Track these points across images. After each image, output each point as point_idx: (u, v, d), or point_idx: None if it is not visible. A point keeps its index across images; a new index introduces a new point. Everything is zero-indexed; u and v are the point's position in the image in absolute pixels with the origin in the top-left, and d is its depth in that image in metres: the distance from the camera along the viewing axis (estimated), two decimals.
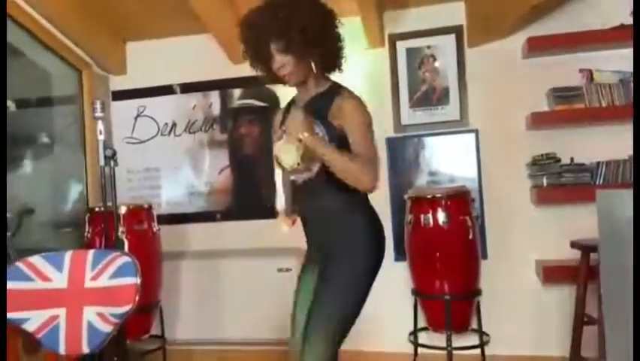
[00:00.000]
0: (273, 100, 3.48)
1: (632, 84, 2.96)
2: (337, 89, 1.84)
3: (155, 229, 3.20)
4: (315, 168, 1.80)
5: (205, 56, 3.55)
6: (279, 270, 3.29)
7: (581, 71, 3.07)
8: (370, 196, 1.90)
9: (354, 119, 1.75)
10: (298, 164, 1.77)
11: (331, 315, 1.72)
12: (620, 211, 1.61)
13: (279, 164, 1.85)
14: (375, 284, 3.31)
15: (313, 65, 1.79)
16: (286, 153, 1.79)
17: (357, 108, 1.78)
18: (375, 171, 1.74)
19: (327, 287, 1.74)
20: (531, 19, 3.07)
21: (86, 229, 3.10)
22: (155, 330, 3.28)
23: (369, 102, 3.17)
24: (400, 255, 3.22)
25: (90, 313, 1.68)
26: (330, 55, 1.82)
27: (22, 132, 3.41)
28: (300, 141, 1.69)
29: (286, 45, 1.72)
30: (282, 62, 1.76)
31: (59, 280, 1.72)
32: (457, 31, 3.28)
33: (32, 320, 1.69)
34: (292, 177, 1.89)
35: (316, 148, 1.69)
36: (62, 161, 3.63)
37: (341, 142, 1.75)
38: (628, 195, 1.69)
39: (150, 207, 3.22)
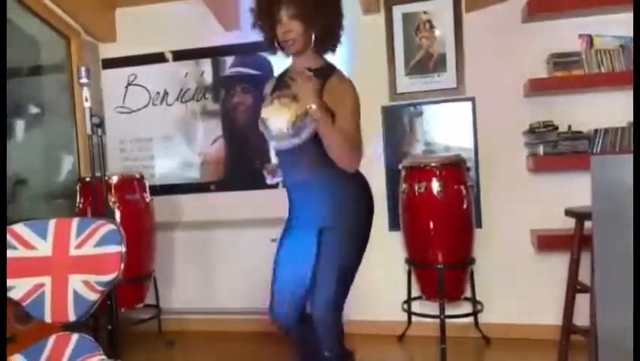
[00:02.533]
0: (267, 68, 3.39)
1: (632, 49, 2.89)
2: (331, 69, 1.92)
3: (147, 200, 3.17)
4: (304, 135, 1.84)
5: (196, 22, 3.47)
6: (273, 240, 3.25)
7: (580, 36, 2.99)
8: (366, 166, 1.95)
9: (345, 103, 1.83)
10: (287, 129, 1.83)
11: (339, 266, 1.86)
12: (614, 177, 1.57)
13: (266, 128, 1.90)
14: (369, 253, 3.32)
15: (313, 37, 1.86)
16: (276, 117, 1.85)
17: (350, 93, 1.85)
18: (360, 156, 1.86)
19: (332, 243, 1.85)
20: None
21: (77, 200, 3.07)
22: (149, 300, 3.29)
23: (365, 70, 3.17)
24: (394, 224, 3.20)
25: (75, 282, 1.66)
26: (331, 31, 1.91)
27: (12, 102, 3.35)
28: (307, 108, 1.76)
29: (297, 12, 1.82)
30: (289, 27, 1.84)
31: (44, 248, 1.69)
32: None
33: (17, 288, 1.67)
34: (275, 144, 1.93)
35: (319, 117, 1.75)
36: (53, 131, 3.58)
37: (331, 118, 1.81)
38: (623, 160, 1.65)
39: (142, 178, 3.19)
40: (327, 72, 1.89)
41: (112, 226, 1.70)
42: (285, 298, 1.93)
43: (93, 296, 1.66)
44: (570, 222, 2.61)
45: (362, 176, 1.96)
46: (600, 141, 2.92)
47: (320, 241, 1.85)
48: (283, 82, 1.93)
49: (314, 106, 1.75)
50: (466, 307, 3.05)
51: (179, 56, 3.59)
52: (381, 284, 3.29)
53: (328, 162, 1.83)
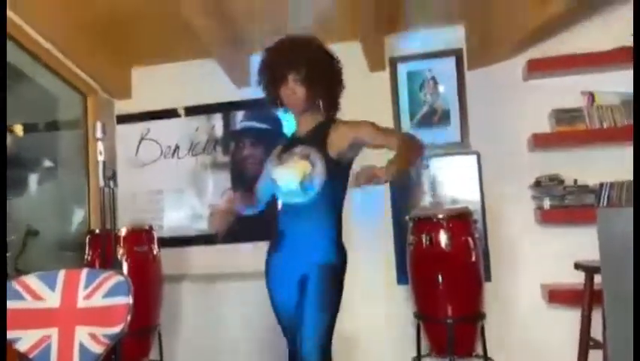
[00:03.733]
0: (276, 123, 3.49)
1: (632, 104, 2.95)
2: (332, 120, 2.06)
3: (155, 252, 3.18)
4: (311, 192, 1.95)
5: (208, 79, 3.59)
6: None
7: (582, 93, 3.07)
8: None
9: (361, 124, 1.99)
10: (296, 187, 1.96)
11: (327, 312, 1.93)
12: (620, 229, 1.58)
13: (277, 187, 2.06)
14: (378, 308, 3.30)
15: (321, 103, 2.03)
16: (286, 177, 1.99)
17: (356, 121, 2.01)
18: (414, 135, 2.04)
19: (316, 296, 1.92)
20: (531, 41, 3.09)
21: (86, 251, 3.09)
22: (153, 355, 3.23)
23: None
24: (402, 278, 3.18)
25: (82, 334, 1.66)
26: (334, 99, 2.07)
27: (28, 156, 3.44)
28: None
29: (304, 77, 1.96)
30: (295, 90, 1.98)
31: (52, 299, 1.71)
32: (457, 54, 3.30)
33: (24, 340, 1.67)
34: (289, 200, 2.04)
35: (396, 173, 1.82)
36: (66, 184, 3.65)
37: (337, 169, 1.96)
38: (628, 213, 1.67)
39: (151, 229, 3.21)
40: (330, 123, 2.04)
41: (120, 278, 1.71)
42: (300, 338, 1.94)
43: (98, 349, 1.66)
44: (580, 276, 2.58)
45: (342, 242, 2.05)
46: (606, 195, 2.93)
47: (305, 287, 1.92)
48: (289, 145, 2.08)
49: (388, 178, 1.79)
50: None
51: (191, 111, 3.70)
52: (391, 340, 3.23)
53: (325, 215, 1.97)
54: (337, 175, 1.98)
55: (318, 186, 1.93)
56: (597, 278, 2.43)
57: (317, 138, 1.99)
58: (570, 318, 2.83)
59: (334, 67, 2.06)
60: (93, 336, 1.65)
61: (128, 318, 1.63)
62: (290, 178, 1.95)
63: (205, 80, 3.60)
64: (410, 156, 1.93)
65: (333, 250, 1.99)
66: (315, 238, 1.97)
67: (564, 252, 2.86)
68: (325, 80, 2.01)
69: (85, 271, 1.76)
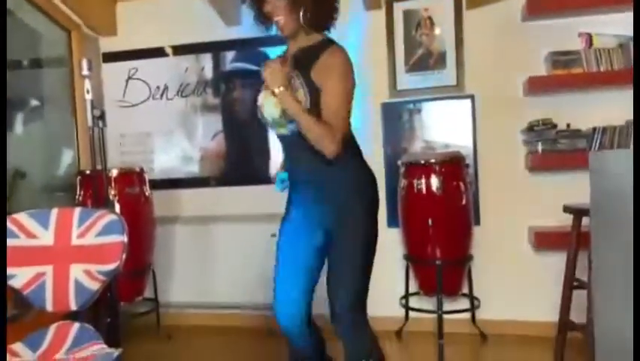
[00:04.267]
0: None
1: (631, 48, 2.90)
2: (327, 43, 1.79)
3: (147, 193, 3.18)
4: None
5: (197, 17, 3.48)
6: (273, 235, 3.26)
7: (580, 35, 3.01)
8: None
9: (331, 75, 1.71)
10: (280, 116, 1.76)
11: (357, 265, 1.79)
12: (613, 172, 1.59)
13: (262, 115, 1.85)
14: None
15: (301, 15, 1.73)
16: (268, 104, 1.79)
17: (337, 63, 1.73)
18: (339, 141, 1.70)
19: (343, 244, 1.78)
20: None
21: (77, 192, 3.08)
22: (148, 293, 3.29)
23: (365, 66, 3.17)
24: (393, 221, 3.22)
25: (77, 271, 1.67)
26: (321, 10, 1.78)
27: (11, 95, 3.34)
28: (273, 93, 1.71)
29: None
30: (275, 5, 1.75)
31: (45, 237, 1.71)
32: None
33: (18, 277, 1.68)
34: (277, 131, 1.86)
35: (283, 102, 1.70)
36: (53, 124, 3.58)
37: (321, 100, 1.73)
38: (621, 155, 1.67)
39: (142, 171, 3.19)
40: (322, 48, 1.77)
41: (114, 217, 1.71)
42: (289, 298, 1.86)
43: (94, 285, 1.67)
44: (568, 220, 2.62)
45: (368, 170, 1.88)
46: (598, 139, 2.93)
47: (329, 242, 1.80)
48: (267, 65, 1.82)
49: (276, 90, 1.68)
50: (464, 303, 3.07)
51: (180, 50, 3.59)
52: (379, 280, 3.26)
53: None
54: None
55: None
56: (584, 222, 2.48)
57: (304, 61, 1.76)
58: (556, 261, 2.90)
59: None
60: (88, 273, 1.66)
61: (123, 256, 1.64)
62: (271, 105, 1.77)
63: (194, 17, 3.49)
64: (310, 130, 1.69)
65: (354, 181, 1.81)
66: (325, 176, 1.78)
67: (554, 197, 2.89)
68: None
69: (78, 210, 1.75)
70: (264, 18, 1.84)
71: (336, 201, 1.78)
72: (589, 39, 2.99)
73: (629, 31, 2.90)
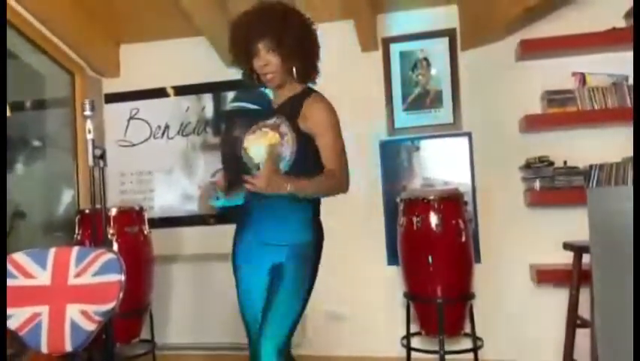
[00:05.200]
0: (267, 103, 3.45)
1: (624, 87, 2.96)
2: (309, 92, 1.91)
3: (146, 232, 3.16)
4: (281, 163, 1.82)
5: (199, 58, 3.55)
6: None
7: (573, 74, 3.07)
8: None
9: (323, 121, 1.84)
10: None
11: (291, 312, 1.80)
12: (611, 208, 1.59)
13: (248, 157, 1.91)
14: (368, 288, 3.29)
15: (295, 71, 1.85)
16: (256, 146, 1.86)
17: (325, 110, 1.86)
18: (347, 175, 1.87)
19: (287, 288, 1.80)
20: (524, 22, 3.08)
21: (76, 231, 3.07)
22: (144, 334, 3.23)
23: (364, 105, 3.23)
24: (392, 259, 3.20)
25: (73, 311, 1.65)
26: (311, 65, 1.91)
27: (15, 135, 3.39)
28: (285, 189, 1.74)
29: (276, 45, 1.80)
30: (268, 60, 1.83)
31: (43, 276, 1.69)
32: (450, 34, 3.28)
33: (15, 318, 1.66)
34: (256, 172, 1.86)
35: (296, 193, 1.75)
36: (54, 164, 3.61)
37: (308, 144, 1.83)
38: (619, 192, 1.68)
39: (141, 210, 3.19)
40: (304, 96, 1.88)
41: (112, 255, 1.70)
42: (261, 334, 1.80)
43: (91, 326, 1.65)
44: (569, 257, 2.61)
45: (319, 221, 1.94)
46: (595, 176, 2.95)
47: (278, 276, 1.81)
48: (267, 116, 1.92)
49: (288, 187, 1.73)
50: (466, 343, 3.01)
51: (181, 90, 3.66)
52: (380, 320, 3.26)
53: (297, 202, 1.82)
54: (309, 148, 1.84)
55: (288, 159, 1.80)
56: (585, 259, 2.47)
57: (290, 109, 1.86)
58: (558, 299, 2.87)
59: (307, 29, 1.89)
60: (84, 313, 1.64)
61: (121, 295, 1.63)
62: (258, 148, 1.84)
63: (195, 58, 3.56)
64: (331, 189, 1.84)
65: (307, 227, 1.86)
66: (287, 215, 1.84)
67: (553, 233, 2.89)
68: (299, 45, 1.83)
69: (76, 249, 1.74)
70: (253, 73, 1.92)
71: (282, 245, 1.83)
72: (582, 78, 3.05)
73: (622, 70, 2.97)
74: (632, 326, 1.42)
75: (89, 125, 2.33)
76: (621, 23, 2.99)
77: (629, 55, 2.83)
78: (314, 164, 1.86)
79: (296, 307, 1.79)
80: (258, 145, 1.86)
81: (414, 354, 3.05)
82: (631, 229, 1.41)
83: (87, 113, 2.32)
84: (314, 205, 1.90)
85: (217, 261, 3.49)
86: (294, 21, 1.85)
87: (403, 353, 3.07)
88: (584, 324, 2.50)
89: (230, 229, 3.49)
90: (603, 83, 3.02)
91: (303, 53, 1.86)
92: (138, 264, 3.07)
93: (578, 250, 2.47)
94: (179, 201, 3.66)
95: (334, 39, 3.31)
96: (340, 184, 1.85)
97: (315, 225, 1.90)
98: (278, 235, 1.84)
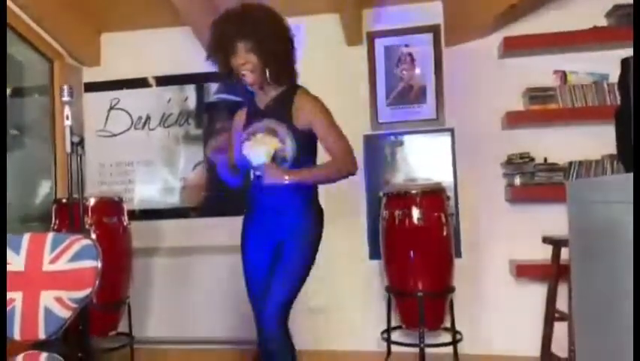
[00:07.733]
0: (249, 95, 3.42)
1: (604, 85, 3.00)
2: (295, 88, 2.02)
3: (125, 223, 3.11)
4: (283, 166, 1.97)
5: (181, 48, 3.50)
6: None
7: (555, 72, 3.11)
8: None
9: (319, 115, 1.97)
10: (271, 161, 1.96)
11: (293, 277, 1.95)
12: (591, 198, 1.60)
13: (249, 163, 2.00)
14: (349, 282, 3.29)
15: (268, 73, 1.93)
16: (256, 152, 1.95)
17: (317, 105, 1.99)
18: (352, 156, 2.01)
19: (291, 261, 1.96)
20: (508, 19, 3.10)
21: (53, 221, 3.01)
22: (122, 327, 3.18)
23: (348, 99, 3.22)
24: (374, 253, 3.20)
25: (47, 298, 1.61)
26: (285, 69, 1.99)
27: None
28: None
29: (254, 45, 1.89)
30: (246, 59, 1.91)
31: (17, 263, 1.65)
32: (434, 30, 3.29)
33: None
34: (259, 174, 2.01)
35: (299, 182, 1.92)
36: (32, 153, 3.53)
37: (306, 139, 1.97)
38: (598, 184, 1.69)
39: (121, 200, 3.13)
40: (291, 94, 2.00)
41: (87, 241, 1.67)
42: (263, 303, 1.95)
43: (65, 313, 1.61)
44: (548, 252, 2.64)
45: (320, 206, 2.09)
46: (575, 173, 2.99)
47: (279, 252, 1.96)
48: (253, 116, 2.04)
49: (287, 178, 1.89)
50: (446, 337, 3.02)
51: (164, 81, 3.61)
52: (362, 314, 3.26)
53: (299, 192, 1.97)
54: (307, 142, 1.99)
55: (291, 160, 1.94)
56: (564, 254, 2.49)
57: (280, 110, 1.96)
58: (537, 293, 2.90)
59: (286, 34, 1.98)
60: (59, 300, 1.61)
61: (97, 282, 1.59)
62: (260, 155, 1.93)
63: (178, 48, 3.51)
64: (333, 175, 1.99)
65: (309, 211, 2.01)
66: (291, 202, 1.97)
67: (533, 229, 2.91)
68: (277, 48, 1.93)
69: (51, 235, 1.70)
70: (229, 71, 1.99)
71: (286, 233, 1.99)
72: (564, 76, 3.09)
73: (603, 69, 3.01)
74: (607, 317, 1.43)
75: (67, 111, 2.28)
76: (602, 22, 3.03)
77: (609, 53, 2.86)
78: (313, 155, 2.04)
79: (298, 273, 1.93)
80: (259, 151, 1.94)
81: (394, 348, 3.05)
82: (610, 220, 1.41)
83: (65, 98, 2.27)
84: (310, 190, 2.04)
85: (197, 254, 3.47)
86: (275, 25, 1.95)
87: (384, 346, 3.08)
88: (562, 317, 2.53)
89: (210, 221, 3.50)
90: (584, 82, 3.05)
91: (279, 57, 1.95)
92: (116, 255, 3.01)
93: (557, 243, 2.50)
94: (160, 193, 3.61)
95: (320, 32, 3.30)
96: (345, 166, 1.98)
97: (314, 207, 2.04)
98: (280, 217, 1.97)
